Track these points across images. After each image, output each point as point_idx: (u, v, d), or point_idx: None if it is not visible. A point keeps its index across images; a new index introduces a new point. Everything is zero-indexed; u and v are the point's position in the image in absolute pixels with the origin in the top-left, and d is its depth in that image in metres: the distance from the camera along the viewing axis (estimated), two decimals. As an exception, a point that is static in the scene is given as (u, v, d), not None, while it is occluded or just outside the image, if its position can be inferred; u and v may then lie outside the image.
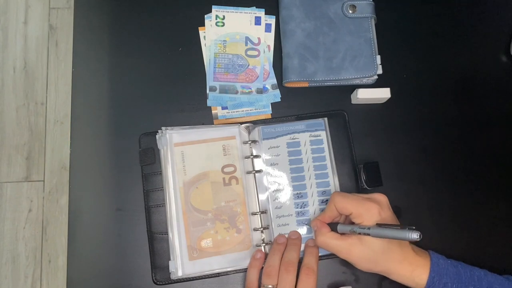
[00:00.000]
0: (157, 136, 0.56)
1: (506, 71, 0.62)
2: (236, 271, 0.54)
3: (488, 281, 0.47)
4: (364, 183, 0.56)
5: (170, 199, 0.54)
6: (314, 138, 0.57)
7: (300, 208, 0.55)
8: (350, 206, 0.48)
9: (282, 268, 0.49)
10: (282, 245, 0.52)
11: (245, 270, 0.54)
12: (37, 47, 1.41)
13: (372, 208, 0.47)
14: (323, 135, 0.57)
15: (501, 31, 0.63)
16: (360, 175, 0.56)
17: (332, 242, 0.48)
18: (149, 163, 0.56)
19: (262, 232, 0.55)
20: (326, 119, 0.58)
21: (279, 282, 0.48)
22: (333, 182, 0.56)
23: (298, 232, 0.54)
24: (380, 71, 0.59)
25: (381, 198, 0.49)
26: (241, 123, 0.58)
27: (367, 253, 0.47)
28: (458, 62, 0.62)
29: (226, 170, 0.56)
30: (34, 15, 1.43)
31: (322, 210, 0.54)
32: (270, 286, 0.48)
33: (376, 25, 0.61)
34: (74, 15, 0.62)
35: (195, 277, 0.53)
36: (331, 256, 0.54)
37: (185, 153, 0.55)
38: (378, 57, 0.59)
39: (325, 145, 0.57)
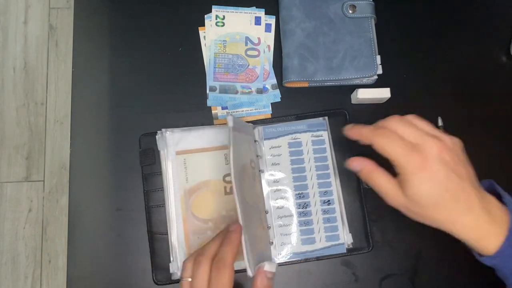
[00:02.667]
0: (157, 137, 0.56)
1: (506, 71, 0.62)
2: (239, 271, 0.54)
3: None
4: (365, 183, 0.56)
5: (171, 206, 0.54)
6: (316, 138, 0.57)
7: (302, 208, 0.55)
8: (395, 152, 0.40)
9: (195, 261, 0.43)
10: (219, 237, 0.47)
11: (244, 271, 0.54)
12: (37, 47, 1.41)
13: (414, 161, 0.40)
14: (325, 135, 0.57)
15: (501, 31, 0.63)
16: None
17: (384, 183, 0.42)
18: (149, 163, 0.56)
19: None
20: (327, 118, 0.58)
21: (193, 277, 0.43)
22: (335, 182, 0.56)
23: (237, 225, 0.45)
24: (380, 71, 0.59)
25: (432, 145, 0.41)
26: (241, 123, 0.58)
27: (410, 205, 0.41)
28: (458, 62, 0.62)
29: (227, 179, 0.55)
30: (34, 15, 1.43)
31: (324, 203, 0.53)
32: (187, 279, 0.43)
33: (376, 25, 0.61)
34: (74, 15, 0.62)
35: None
36: (331, 256, 0.54)
37: (187, 162, 0.55)
38: (378, 57, 0.59)
39: (326, 145, 0.57)
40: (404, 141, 0.41)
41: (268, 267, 0.43)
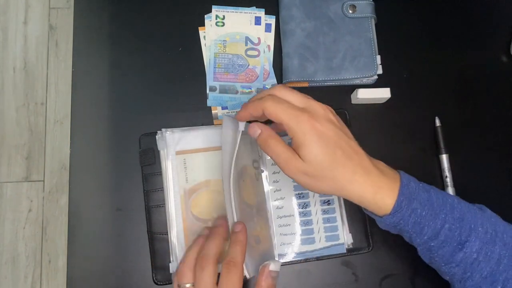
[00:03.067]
0: (156, 137, 0.56)
1: (506, 71, 0.62)
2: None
3: (460, 210, 0.43)
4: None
5: (170, 206, 0.54)
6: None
7: (302, 208, 0.55)
8: (281, 116, 0.41)
9: (197, 264, 0.43)
10: (202, 237, 0.47)
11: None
12: (37, 47, 1.41)
13: (304, 121, 0.41)
14: None
15: (501, 31, 0.63)
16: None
17: (279, 148, 0.42)
18: (149, 163, 0.56)
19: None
20: None
21: (196, 282, 0.43)
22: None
23: (241, 224, 0.45)
24: (380, 71, 0.59)
25: (317, 108, 0.42)
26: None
27: (307, 169, 0.41)
28: (458, 62, 0.62)
29: None
30: (34, 15, 1.43)
31: (324, 203, 0.54)
32: (188, 284, 0.43)
33: (376, 25, 0.61)
34: (74, 15, 0.62)
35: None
36: (331, 256, 0.54)
37: (187, 161, 0.55)
38: (378, 57, 0.59)
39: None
40: (293, 105, 0.42)
41: (273, 266, 0.43)
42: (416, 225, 0.42)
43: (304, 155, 0.41)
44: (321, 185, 0.42)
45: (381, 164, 0.44)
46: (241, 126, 0.46)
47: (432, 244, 0.43)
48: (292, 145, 0.43)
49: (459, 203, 0.43)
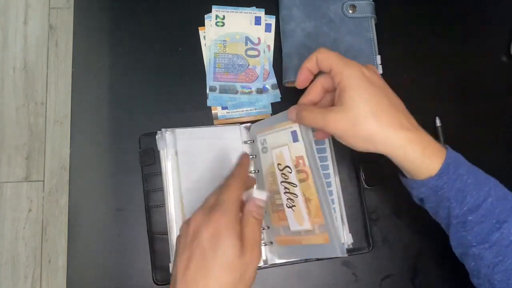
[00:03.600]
0: (156, 137, 0.56)
1: (506, 71, 0.62)
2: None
3: (503, 189, 0.41)
4: (364, 182, 0.56)
5: (170, 206, 0.54)
6: (315, 139, 0.57)
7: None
8: (331, 60, 0.42)
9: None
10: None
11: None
12: (37, 47, 1.41)
13: (353, 65, 0.41)
14: None
15: (501, 31, 0.63)
16: (360, 174, 0.57)
17: (313, 113, 0.42)
18: (149, 163, 0.56)
19: (262, 232, 0.55)
20: None
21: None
22: (335, 182, 0.56)
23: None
24: (380, 71, 0.59)
25: (367, 64, 0.43)
26: (241, 123, 0.58)
27: (351, 116, 0.39)
28: (458, 62, 0.62)
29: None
30: (34, 15, 1.43)
31: None
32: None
33: (376, 25, 0.61)
34: (74, 15, 0.62)
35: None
36: (331, 256, 0.54)
37: (187, 161, 0.55)
38: (378, 57, 0.59)
39: (326, 145, 0.57)
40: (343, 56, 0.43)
41: (257, 193, 0.43)
42: (460, 192, 0.40)
43: (348, 98, 0.39)
44: (361, 134, 0.39)
45: (422, 128, 0.42)
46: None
47: (470, 217, 0.40)
48: (337, 93, 0.42)
49: (499, 183, 0.42)
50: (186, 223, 0.40)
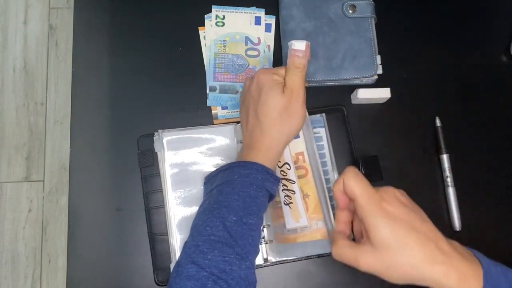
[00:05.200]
0: (154, 139, 0.56)
1: (506, 71, 0.62)
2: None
3: None
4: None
5: (170, 206, 0.54)
6: (313, 135, 0.57)
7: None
8: (355, 190, 0.41)
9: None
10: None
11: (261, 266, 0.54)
12: (37, 47, 1.41)
13: (372, 203, 0.40)
14: (322, 132, 0.57)
15: (501, 31, 0.63)
16: (359, 170, 0.56)
17: (347, 254, 0.41)
18: (147, 165, 0.56)
19: (262, 230, 0.55)
20: (324, 115, 0.58)
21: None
22: (334, 178, 0.56)
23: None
24: (380, 71, 0.59)
25: (387, 189, 0.41)
26: (238, 122, 0.58)
27: (382, 257, 0.39)
28: (458, 62, 0.62)
29: None
30: (34, 15, 1.43)
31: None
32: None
33: (376, 25, 0.61)
34: (74, 15, 0.62)
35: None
36: (329, 254, 0.54)
37: (184, 162, 0.55)
38: (378, 57, 0.59)
39: (324, 142, 0.57)
40: (369, 184, 0.41)
41: (296, 45, 0.48)
42: None
43: (373, 237, 0.39)
44: (396, 273, 0.39)
45: (457, 245, 0.40)
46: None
47: None
48: (363, 227, 0.41)
49: None
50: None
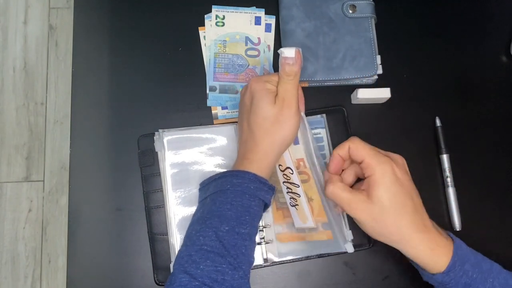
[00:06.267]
0: (154, 138, 0.56)
1: (506, 71, 0.62)
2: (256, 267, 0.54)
3: (505, 275, 0.44)
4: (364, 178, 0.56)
5: (170, 205, 0.54)
6: (314, 136, 0.57)
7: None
8: (364, 152, 0.45)
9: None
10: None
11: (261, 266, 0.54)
12: (37, 47, 1.41)
13: (386, 163, 0.44)
14: (323, 133, 0.57)
15: (501, 31, 0.63)
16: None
17: (341, 194, 0.45)
18: (148, 164, 0.56)
19: (262, 230, 0.55)
20: (325, 115, 0.58)
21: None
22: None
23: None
24: (380, 71, 0.59)
25: (397, 157, 0.46)
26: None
27: (375, 211, 0.43)
28: (458, 62, 0.62)
29: None
30: (34, 15, 1.43)
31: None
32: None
33: (376, 25, 0.61)
34: (74, 15, 0.62)
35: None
36: (332, 253, 0.54)
37: (185, 162, 0.55)
38: (378, 57, 0.59)
39: (325, 143, 0.57)
40: (376, 148, 0.46)
41: (285, 53, 0.47)
42: (466, 286, 0.43)
43: (376, 194, 0.43)
44: (380, 228, 0.44)
45: (436, 224, 0.46)
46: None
47: None
48: (366, 182, 0.45)
49: (501, 269, 0.45)
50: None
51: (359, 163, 0.46)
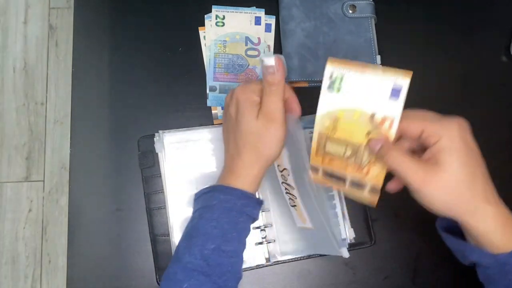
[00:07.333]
0: (154, 140, 0.56)
1: (506, 71, 0.62)
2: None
3: None
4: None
5: (171, 207, 0.54)
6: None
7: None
8: (423, 120, 0.39)
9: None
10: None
11: (247, 269, 0.54)
12: (37, 47, 1.41)
13: (453, 126, 0.38)
14: None
15: (501, 31, 0.63)
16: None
17: (407, 162, 0.38)
18: (148, 166, 0.56)
19: (264, 230, 0.55)
20: None
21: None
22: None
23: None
24: (380, 71, 0.59)
25: (462, 120, 0.40)
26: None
27: (444, 179, 0.37)
28: (458, 62, 0.62)
29: None
30: (34, 15, 1.43)
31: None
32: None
33: (376, 25, 0.61)
34: (74, 15, 0.62)
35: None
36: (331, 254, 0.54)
37: (185, 162, 0.55)
38: (378, 57, 0.59)
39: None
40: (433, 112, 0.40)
41: (266, 61, 0.44)
42: None
43: (447, 160, 0.37)
44: (450, 202, 0.38)
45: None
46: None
47: None
48: (427, 154, 0.39)
49: None
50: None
51: (419, 136, 0.40)
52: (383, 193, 0.56)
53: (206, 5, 0.61)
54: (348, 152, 0.43)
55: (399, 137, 0.41)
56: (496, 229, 0.38)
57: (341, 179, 0.45)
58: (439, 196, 0.38)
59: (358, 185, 0.44)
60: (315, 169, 0.47)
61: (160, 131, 0.56)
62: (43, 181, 1.34)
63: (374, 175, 0.43)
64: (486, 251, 0.39)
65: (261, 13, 0.61)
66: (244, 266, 0.53)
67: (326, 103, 0.43)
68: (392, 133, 0.40)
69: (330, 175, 0.46)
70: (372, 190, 0.44)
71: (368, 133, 0.41)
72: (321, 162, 0.46)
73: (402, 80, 0.41)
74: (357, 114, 0.42)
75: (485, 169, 0.40)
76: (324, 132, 0.43)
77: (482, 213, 0.38)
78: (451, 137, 0.38)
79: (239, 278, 0.45)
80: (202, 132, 0.56)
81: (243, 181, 0.45)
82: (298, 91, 0.60)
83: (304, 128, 0.57)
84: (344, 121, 0.42)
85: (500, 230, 0.38)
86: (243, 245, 0.45)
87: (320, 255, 0.54)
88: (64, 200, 1.33)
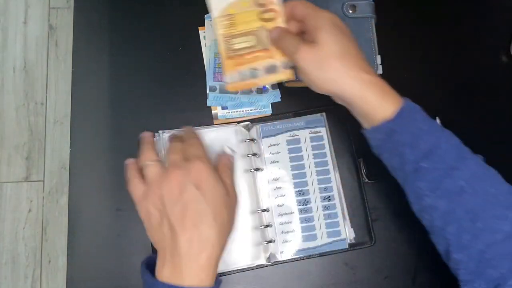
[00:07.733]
0: (155, 140, 0.56)
1: (506, 71, 0.62)
2: (240, 270, 0.54)
3: (457, 140, 0.43)
4: (365, 176, 0.56)
5: None
6: (314, 135, 0.57)
7: (302, 205, 0.55)
8: (304, 7, 0.45)
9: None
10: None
11: (247, 269, 0.54)
12: (37, 47, 1.41)
13: (326, 12, 0.44)
14: (323, 131, 0.57)
15: (501, 31, 0.63)
16: (360, 168, 0.57)
17: (290, 38, 0.45)
18: (148, 165, 0.56)
19: (264, 230, 0.55)
20: (324, 114, 0.58)
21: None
22: (334, 177, 0.56)
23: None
24: (380, 71, 0.59)
25: (331, 14, 0.45)
26: (239, 122, 0.58)
27: (320, 55, 0.42)
28: (458, 62, 0.62)
29: None
30: (34, 15, 1.43)
31: (325, 199, 0.55)
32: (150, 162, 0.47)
33: (376, 25, 0.61)
34: (74, 15, 0.62)
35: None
36: (334, 252, 0.54)
37: None
38: (378, 57, 0.59)
39: (325, 142, 0.57)
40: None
41: (228, 150, 0.51)
42: (413, 136, 0.41)
43: (321, 37, 0.42)
44: (328, 77, 0.43)
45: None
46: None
47: (422, 164, 0.41)
48: (308, 33, 0.44)
49: (455, 136, 0.43)
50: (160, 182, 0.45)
51: (299, 21, 0.46)
52: (384, 193, 0.56)
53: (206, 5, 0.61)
54: (253, 41, 0.48)
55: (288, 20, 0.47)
56: (375, 96, 0.42)
57: (255, 73, 0.48)
58: (316, 74, 0.43)
59: (271, 69, 0.48)
60: (231, 77, 0.49)
61: (160, 131, 0.56)
62: (43, 181, 1.34)
63: (280, 52, 0.47)
64: (374, 124, 0.43)
65: (261, 13, 0.61)
66: (244, 266, 0.54)
67: (216, 2, 0.48)
68: (276, 8, 0.47)
69: (244, 77, 0.49)
70: (284, 66, 0.48)
71: (260, 14, 0.48)
72: (235, 64, 0.49)
73: None
74: (245, 2, 0.48)
75: (357, 46, 0.44)
76: (227, 31, 0.48)
77: (360, 81, 0.42)
78: (325, 19, 0.43)
79: None
80: (202, 132, 0.56)
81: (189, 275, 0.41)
82: (297, 91, 0.60)
83: (304, 128, 0.57)
84: (238, 14, 0.48)
85: (379, 98, 0.42)
86: None
87: (320, 255, 0.54)
88: (64, 200, 1.33)
